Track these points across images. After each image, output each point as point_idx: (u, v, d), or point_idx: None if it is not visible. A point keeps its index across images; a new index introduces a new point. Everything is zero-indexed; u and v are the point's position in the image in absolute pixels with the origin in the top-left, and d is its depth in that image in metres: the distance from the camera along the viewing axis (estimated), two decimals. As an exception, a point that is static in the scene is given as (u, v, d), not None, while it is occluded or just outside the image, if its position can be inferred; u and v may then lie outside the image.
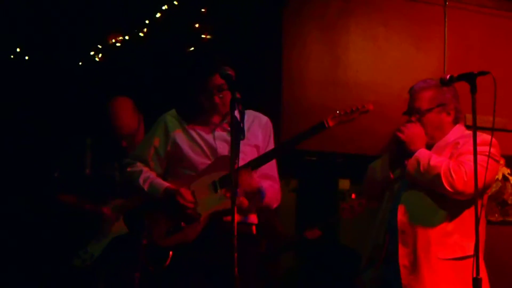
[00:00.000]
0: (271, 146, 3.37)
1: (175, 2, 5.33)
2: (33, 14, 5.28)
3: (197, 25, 5.40)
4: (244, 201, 3.14)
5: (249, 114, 3.36)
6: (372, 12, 5.15)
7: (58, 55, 5.42)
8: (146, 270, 3.28)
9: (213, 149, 3.25)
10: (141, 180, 3.28)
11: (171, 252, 3.16)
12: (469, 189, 2.99)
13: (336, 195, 6.09)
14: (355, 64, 5.06)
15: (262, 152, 3.30)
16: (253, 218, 3.32)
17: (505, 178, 5.27)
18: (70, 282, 3.97)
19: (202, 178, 3.21)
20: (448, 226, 3.12)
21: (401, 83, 4.45)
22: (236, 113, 2.86)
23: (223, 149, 3.24)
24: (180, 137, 3.29)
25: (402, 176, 3.25)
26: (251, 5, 5.12)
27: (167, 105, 3.45)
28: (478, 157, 2.73)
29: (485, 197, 3.23)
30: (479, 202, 2.75)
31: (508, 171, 5.27)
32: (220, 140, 3.27)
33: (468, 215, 3.10)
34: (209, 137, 3.28)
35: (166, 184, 3.25)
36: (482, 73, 2.78)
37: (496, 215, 5.21)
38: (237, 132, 2.85)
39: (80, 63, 5.62)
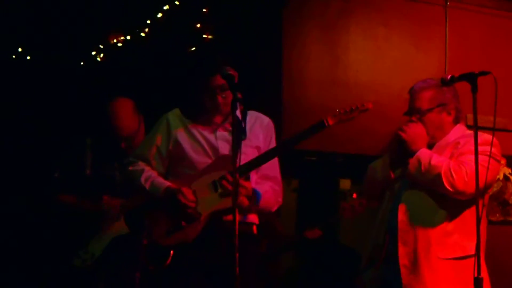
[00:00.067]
0: (273, 147, 3.37)
1: (177, 2, 5.33)
2: (34, 13, 5.27)
3: (198, 25, 5.40)
4: (244, 201, 3.14)
5: (251, 115, 3.37)
6: (372, 12, 5.15)
7: (59, 55, 5.41)
8: (147, 270, 3.29)
9: (214, 149, 3.26)
10: (142, 179, 3.29)
11: (171, 252, 3.17)
12: (470, 189, 2.99)
13: (336, 195, 6.09)
14: (355, 64, 5.06)
15: (263, 153, 3.30)
16: (253, 218, 3.32)
17: (506, 178, 5.27)
18: (71, 282, 3.97)
19: (202, 178, 3.22)
20: (449, 226, 3.13)
21: (401, 83, 4.45)
22: (238, 113, 2.86)
23: (225, 149, 3.24)
24: (182, 136, 3.30)
25: (403, 176, 3.26)
26: (251, 5, 5.12)
27: (168, 105, 3.46)
28: (479, 157, 2.74)
29: (486, 196, 3.23)
30: (480, 202, 2.76)
31: (509, 171, 5.27)
32: (222, 140, 3.27)
33: (469, 214, 3.10)
34: (211, 137, 3.29)
35: (167, 183, 3.26)
36: (483, 73, 2.78)
37: (497, 215, 5.21)
38: (238, 132, 2.85)
39: (82, 63, 5.61)
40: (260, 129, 3.35)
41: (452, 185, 3.04)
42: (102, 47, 5.61)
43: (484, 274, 3.00)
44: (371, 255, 3.33)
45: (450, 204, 3.12)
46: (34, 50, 5.49)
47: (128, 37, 5.51)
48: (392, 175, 3.28)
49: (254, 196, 3.19)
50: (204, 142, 3.28)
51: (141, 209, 3.42)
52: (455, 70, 3.14)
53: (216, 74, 3.14)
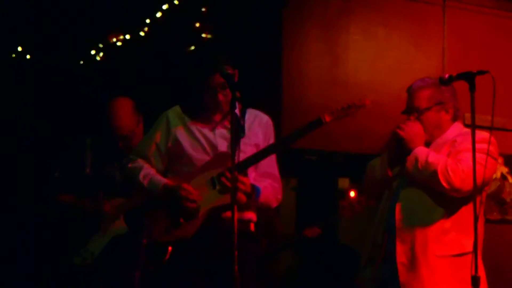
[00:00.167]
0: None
1: (176, 2, 5.34)
2: (34, 13, 5.28)
3: (197, 25, 5.41)
4: (242, 197, 3.14)
5: (250, 113, 3.38)
6: (371, 11, 5.16)
7: (59, 54, 5.42)
8: (146, 269, 3.29)
9: (213, 146, 3.27)
10: (141, 176, 3.30)
11: (170, 248, 3.17)
12: (466, 186, 3.00)
13: (336, 194, 6.10)
14: (355, 64, 5.07)
15: (262, 152, 3.31)
16: (251, 215, 3.33)
17: (503, 177, 5.27)
18: (71, 281, 3.98)
19: (201, 175, 3.23)
20: (446, 224, 3.13)
21: (401, 82, 4.43)
22: (237, 111, 2.87)
23: (223, 146, 3.25)
24: (181, 134, 3.31)
25: (401, 174, 3.26)
26: (251, 4, 5.12)
27: (168, 104, 3.46)
28: (476, 154, 2.75)
29: (484, 194, 3.23)
30: (478, 200, 2.77)
31: (507, 170, 5.28)
32: (221, 138, 3.28)
33: (466, 212, 3.11)
34: (210, 135, 3.29)
35: (165, 180, 3.27)
36: (481, 73, 2.79)
37: (495, 213, 5.22)
38: (237, 130, 2.86)
39: (81, 62, 5.62)
40: (259, 127, 3.36)
41: (448, 182, 3.05)
42: (101, 46, 5.62)
43: (481, 272, 3.01)
44: (370, 254, 3.33)
45: (448, 202, 3.13)
46: (34, 50, 5.49)
47: (128, 37, 5.52)
48: (390, 173, 3.29)
49: (253, 191, 3.20)
50: (203, 140, 3.28)
51: (140, 208, 3.43)
52: (454, 70, 3.14)
53: (216, 72, 3.15)
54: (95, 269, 3.87)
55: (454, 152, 3.15)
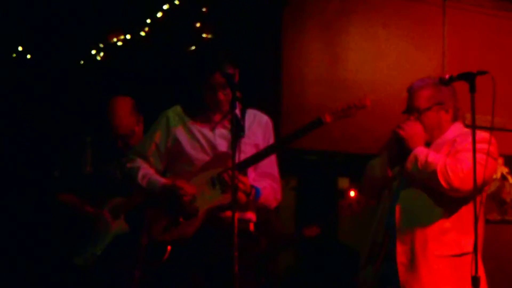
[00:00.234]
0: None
1: (176, 2, 5.34)
2: (34, 13, 5.28)
3: (198, 25, 5.41)
4: (242, 197, 3.15)
5: (250, 113, 3.38)
6: (371, 11, 5.17)
7: (59, 53, 5.42)
8: (146, 269, 3.29)
9: (213, 146, 3.27)
10: (140, 176, 3.30)
11: (169, 247, 3.17)
12: (466, 186, 3.00)
13: (335, 194, 6.10)
14: (355, 64, 5.08)
15: (262, 151, 3.31)
16: (251, 215, 3.33)
17: (503, 177, 5.28)
18: (72, 281, 3.98)
19: (200, 175, 3.23)
20: (446, 223, 3.13)
21: (401, 82, 4.46)
22: (237, 111, 2.87)
23: (223, 146, 3.26)
24: (180, 134, 3.31)
25: (401, 174, 3.27)
26: (251, 4, 5.13)
27: (168, 104, 3.47)
28: (476, 154, 2.75)
29: (484, 194, 3.23)
30: (478, 200, 2.77)
31: (507, 170, 5.29)
32: (220, 137, 3.29)
33: (466, 212, 3.11)
34: (209, 134, 3.30)
35: (163, 180, 3.27)
36: (481, 73, 2.80)
37: (495, 214, 5.23)
38: (237, 130, 2.86)
39: (81, 62, 5.62)
40: (258, 127, 3.36)
41: (447, 182, 3.05)
42: (102, 46, 5.62)
43: (481, 272, 3.01)
44: (370, 253, 3.33)
45: (447, 202, 3.13)
46: (34, 50, 5.49)
47: (128, 36, 5.52)
48: (390, 173, 3.29)
49: (253, 191, 3.20)
50: (202, 139, 3.29)
51: (141, 208, 3.43)
52: (454, 70, 3.16)
53: (217, 71, 3.16)
54: (96, 269, 3.87)
55: (453, 152, 3.15)
